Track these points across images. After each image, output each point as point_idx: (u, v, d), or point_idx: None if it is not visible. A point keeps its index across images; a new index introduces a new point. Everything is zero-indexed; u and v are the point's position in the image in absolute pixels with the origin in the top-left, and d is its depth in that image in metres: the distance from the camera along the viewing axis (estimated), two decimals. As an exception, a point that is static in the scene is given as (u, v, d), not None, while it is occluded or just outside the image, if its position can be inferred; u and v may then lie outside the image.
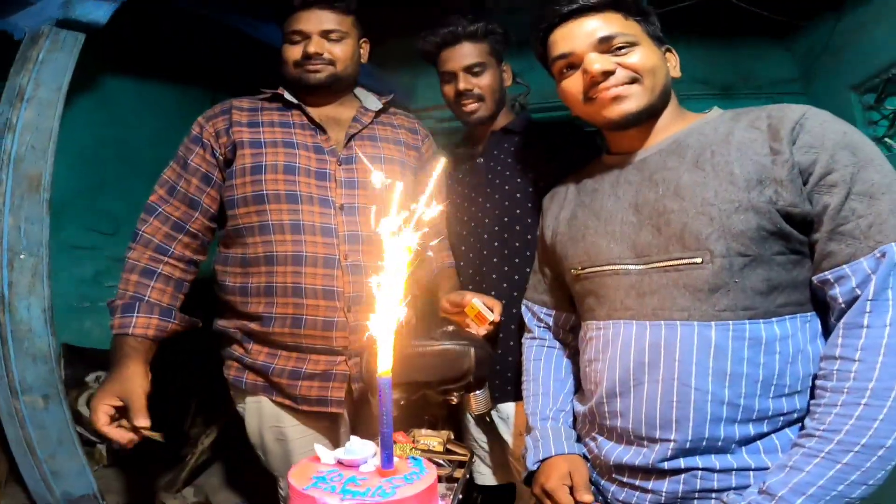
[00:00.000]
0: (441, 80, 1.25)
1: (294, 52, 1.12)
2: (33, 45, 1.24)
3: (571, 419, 0.89)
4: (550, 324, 0.98)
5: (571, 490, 0.79)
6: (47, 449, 1.16)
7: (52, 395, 1.17)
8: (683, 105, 0.86)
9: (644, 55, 0.76)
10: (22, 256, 1.12)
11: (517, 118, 1.26)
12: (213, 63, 2.28)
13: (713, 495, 0.67)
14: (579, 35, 0.77)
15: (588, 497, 0.78)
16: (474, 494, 1.35)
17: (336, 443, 1.17)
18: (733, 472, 0.67)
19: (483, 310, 1.04)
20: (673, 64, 0.83)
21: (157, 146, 2.23)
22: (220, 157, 1.11)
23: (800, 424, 0.67)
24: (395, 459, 0.63)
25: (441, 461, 0.88)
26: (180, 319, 1.08)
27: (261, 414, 1.12)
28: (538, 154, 1.18)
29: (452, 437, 0.96)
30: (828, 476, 0.59)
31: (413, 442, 0.91)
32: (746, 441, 0.67)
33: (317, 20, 1.11)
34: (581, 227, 0.83)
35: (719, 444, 0.67)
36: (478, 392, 1.01)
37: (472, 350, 0.92)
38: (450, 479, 0.83)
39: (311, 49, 1.10)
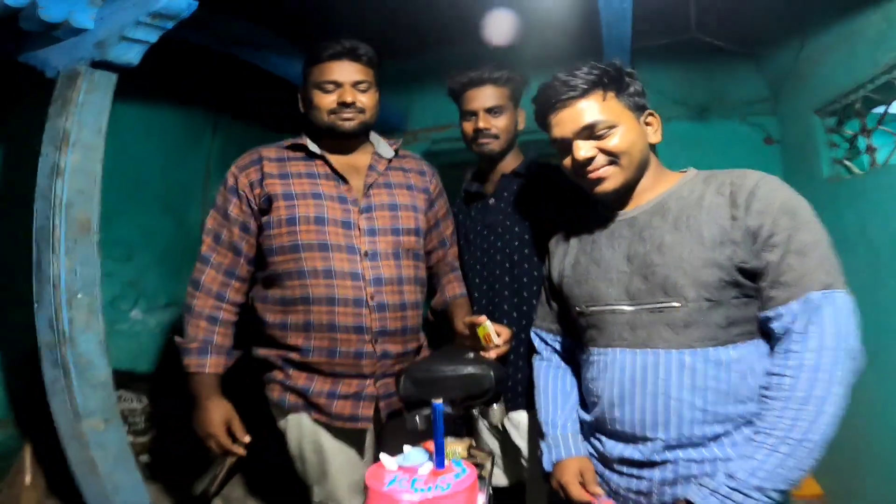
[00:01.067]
0: (462, 117, 1.42)
1: (327, 101, 1.27)
2: (71, 85, 1.33)
3: (578, 425, 1.09)
4: (557, 348, 1.18)
5: (583, 485, 1.00)
6: (107, 467, 1.31)
7: (111, 417, 1.31)
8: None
9: (621, 137, 0.94)
10: (79, 296, 1.26)
11: (524, 160, 1.44)
12: (214, 89, 2.42)
13: (692, 479, 0.88)
14: (567, 123, 0.95)
15: (598, 489, 0.99)
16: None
17: (362, 453, 1.36)
18: (707, 462, 0.88)
19: (492, 333, 1.23)
20: (654, 128, 1.00)
21: (165, 173, 2.39)
22: (255, 207, 1.27)
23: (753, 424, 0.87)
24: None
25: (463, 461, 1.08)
26: (235, 356, 1.30)
27: (301, 429, 1.29)
28: (543, 195, 1.37)
29: (474, 444, 1.16)
30: (772, 462, 0.79)
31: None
32: (715, 437, 0.88)
33: (349, 71, 1.27)
34: (584, 272, 1.03)
35: (696, 440, 0.88)
36: (494, 405, 1.19)
37: (492, 372, 1.11)
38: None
39: (349, 98, 1.25)
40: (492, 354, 1.21)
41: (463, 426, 1.38)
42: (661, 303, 0.90)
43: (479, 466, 1.05)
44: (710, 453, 0.87)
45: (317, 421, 1.28)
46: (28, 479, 1.86)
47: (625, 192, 0.99)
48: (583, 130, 0.94)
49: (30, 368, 2.18)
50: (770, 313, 0.84)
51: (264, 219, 1.26)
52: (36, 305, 1.29)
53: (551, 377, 1.15)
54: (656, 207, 0.96)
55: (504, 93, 1.37)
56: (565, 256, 1.09)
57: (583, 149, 0.94)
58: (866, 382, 1.72)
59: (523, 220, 1.37)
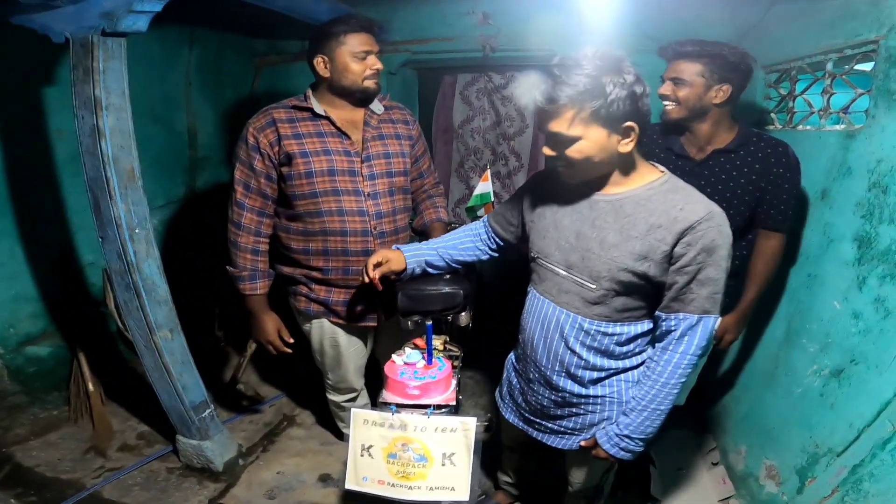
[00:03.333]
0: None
1: (362, 68, 1.56)
2: (86, 54, 1.47)
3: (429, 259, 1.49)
4: (495, 237, 1.50)
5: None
6: (176, 369, 1.74)
7: (174, 328, 1.74)
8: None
9: (579, 150, 1.08)
10: (137, 231, 1.62)
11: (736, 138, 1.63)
12: (190, 3, 2.46)
13: (573, 409, 1.30)
14: (544, 124, 1.11)
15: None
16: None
17: (366, 344, 1.90)
18: (583, 396, 1.28)
19: None
20: (630, 139, 1.08)
21: (149, 86, 2.55)
22: (276, 161, 1.58)
23: (622, 375, 1.25)
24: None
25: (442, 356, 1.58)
26: (272, 276, 1.72)
27: (322, 330, 1.79)
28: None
29: (448, 339, 1.67)
30: (639, 420, 1.19)
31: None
32: (593, 381, 1.26)
33: (372, 42, 1.56)
34: (545, 228, 1.27)
35: (577, 379, 1.26)
36: (462, 313, 1.66)
37: (462, 290, 1.56)
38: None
39: (380, 66, 1.58)
40: None
41: (442, 326, 1.90)
42: (584, 280, 1.19)
43: (453, 357, 1.58)
44: (587, 391, 1.28)
45: (335, 323, 1.77)
46: (91, 386, 2.29)
47: (589, 181, 1.18)
48: (550, 134, 1.11)
49: (59, 282, 2.54)
50: (662, 314, 1.16)
51: (284, 170, 1.59)
52: (101, 240, 1.65)
53: (461, 233, 1.55)
54: (616, 204, 1.15)
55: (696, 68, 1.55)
56: (538, 202, 1.32)
57: (546, 149, 1.16)
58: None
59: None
